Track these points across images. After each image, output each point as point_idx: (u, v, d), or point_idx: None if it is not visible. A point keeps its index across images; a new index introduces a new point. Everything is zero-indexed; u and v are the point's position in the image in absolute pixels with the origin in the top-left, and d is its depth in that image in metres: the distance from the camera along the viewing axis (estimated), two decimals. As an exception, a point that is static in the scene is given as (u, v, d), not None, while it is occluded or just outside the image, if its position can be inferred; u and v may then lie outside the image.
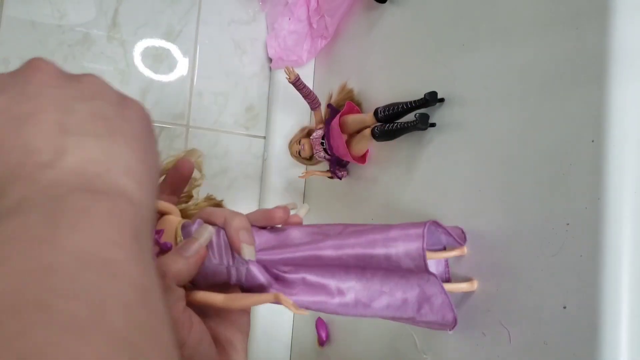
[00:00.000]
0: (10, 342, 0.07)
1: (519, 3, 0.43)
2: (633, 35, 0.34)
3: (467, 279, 0.44)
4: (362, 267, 0.38)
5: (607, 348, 0.32)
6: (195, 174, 0.35)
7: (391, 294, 0.38)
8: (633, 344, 0.32)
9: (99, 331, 0.08)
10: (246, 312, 0.33)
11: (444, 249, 0.46)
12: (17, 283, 0.09)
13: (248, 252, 0.29)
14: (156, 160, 0.17)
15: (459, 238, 0.44)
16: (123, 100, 0.18)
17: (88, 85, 0.18)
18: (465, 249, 0.44)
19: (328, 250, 0.36)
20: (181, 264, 0.25)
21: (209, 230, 0.29)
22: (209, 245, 0.30)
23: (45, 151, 0.13)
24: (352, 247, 0.36)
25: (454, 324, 0.42)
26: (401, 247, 0.37)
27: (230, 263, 0.30)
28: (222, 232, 0.31)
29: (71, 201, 0.11)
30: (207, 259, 0.30)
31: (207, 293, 0.31)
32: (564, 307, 0.35)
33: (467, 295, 0.44)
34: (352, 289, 0.37)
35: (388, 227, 0.39)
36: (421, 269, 0.37)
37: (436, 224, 0.39)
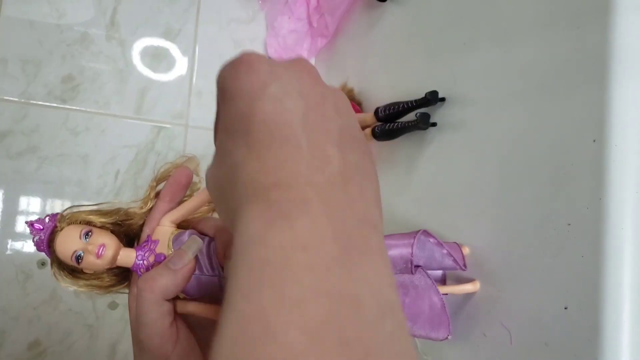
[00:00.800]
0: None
1: (520, 3, 0.42)
2: (634, 35, 0.34)
3: (469, 280, 0.44)
4: None
5: (609, 349, 0.32)
6: (195, 178, 0.35)
7: None
8: (634, 345, 0.32)
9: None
10: None
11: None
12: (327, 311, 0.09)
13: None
14: None
15: (457, 258, 0.43)
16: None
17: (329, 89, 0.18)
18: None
19: None
20: (168, 278, 0.25)
21: (198, 242, 0.28)
22: (201, 256, 0.30)
23: (319, 156, 0.13)
24: None
25: (443, 309, 0.41)
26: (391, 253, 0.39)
27: (222, 274, 0.30)
28: (213, 243, 0.31)
29: (361, 235, 0.11)
30: (200, 270, 0.30)
31: (199, 304, 0.30)
32: (565, 308, 0.35)
33: (468, 296, 0.44)
34: None
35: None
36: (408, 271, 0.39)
37: (426, 233, 0.41)
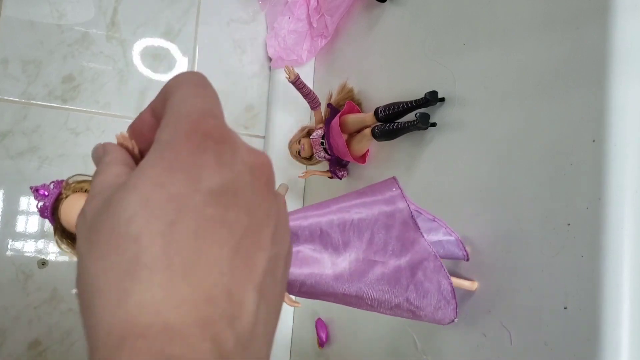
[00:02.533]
0: None
1: (519, 3, 0.43)
2: (633, 35, 0.34)
3: (467, 280, 0.44)
4: (354, 229, 0.40)
5: (608, 349, 0.32)
6: None
7: (384, 263, 0.39)
8: (634, 344, 0.32)
9: None
10: None
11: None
12: None
13: None
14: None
15: (462, 248, 0.44)
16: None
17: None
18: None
19: (314, 218, 0.38)
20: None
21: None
22: None
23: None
24: (335, 213, 0.39)
25: (452, 293, 0.41)
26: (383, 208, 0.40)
27: None
28: None
29: None
30: None
31: None
32: (565, 308, 0.35)
33: (467, 295, 0.44)
34: (345, 260, 0.38)
35: (363, 193, 0.41)
36: (410, 225, 0.39)
37: (395, 181, 0.41)
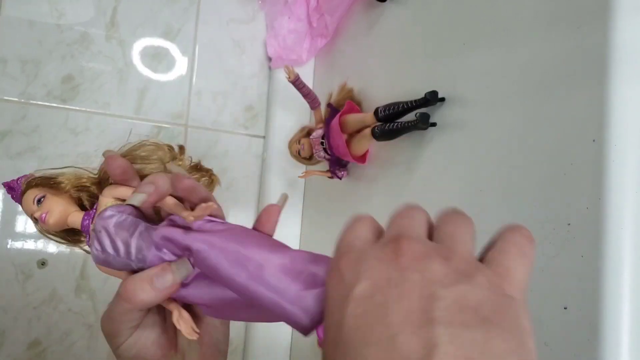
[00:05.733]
0: None
1: (520, 2, 0.42)
2: (634, 35, 0.34)
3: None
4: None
5: (608, 349, 0.32)
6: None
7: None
8: (634, 344, 0.32)
9: None
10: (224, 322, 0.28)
11: None
12: None
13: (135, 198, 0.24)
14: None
15: None
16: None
17: (452, 265, 0.15)
18: None
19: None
20: (150, 296, 0.23)
21: (188, 268, 0.26)
22: (114, 237, 0.25)
23: (414, 347, 0.12)
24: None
25: None
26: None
27: (132, 259, 0.25)
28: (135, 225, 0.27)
29: None
30: (113, 257, 0.25)
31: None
32: (565, 308, 0.35)
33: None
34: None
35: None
36: None
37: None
